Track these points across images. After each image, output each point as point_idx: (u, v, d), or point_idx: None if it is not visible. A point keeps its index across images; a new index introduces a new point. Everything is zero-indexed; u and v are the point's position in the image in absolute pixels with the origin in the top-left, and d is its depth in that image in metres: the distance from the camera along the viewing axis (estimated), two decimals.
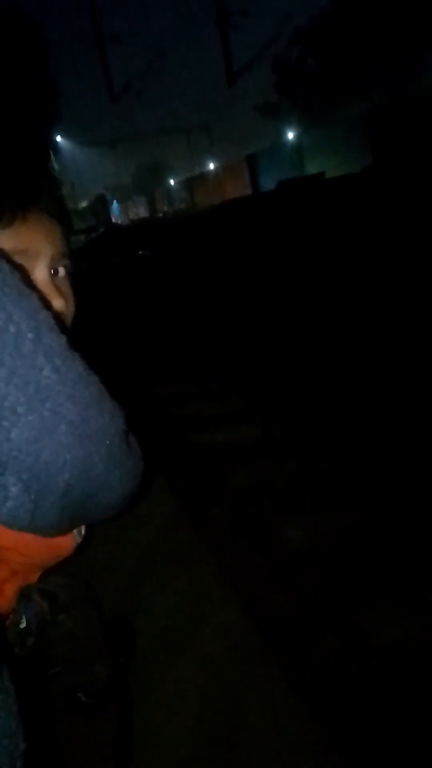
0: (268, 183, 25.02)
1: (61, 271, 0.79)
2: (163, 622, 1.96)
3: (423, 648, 1.69)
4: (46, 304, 0.57)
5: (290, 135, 29.73)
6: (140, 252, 14.71)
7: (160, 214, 38.25)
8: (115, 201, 46.51)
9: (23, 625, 0.98)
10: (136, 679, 1.70)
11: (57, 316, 0.59)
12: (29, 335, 0.50)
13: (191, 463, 3.07)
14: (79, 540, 0.84)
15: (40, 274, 0.75)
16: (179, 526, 2.41)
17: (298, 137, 28.55)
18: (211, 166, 40.06)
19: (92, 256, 16.27)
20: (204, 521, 2.48)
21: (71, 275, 0.84)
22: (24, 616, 1.00)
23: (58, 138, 42.47)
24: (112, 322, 7.40)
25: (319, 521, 2.33)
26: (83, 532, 0.83)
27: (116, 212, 45.19)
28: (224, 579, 2.07)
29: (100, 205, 39.20)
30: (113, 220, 40.61)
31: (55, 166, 38.43)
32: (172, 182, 45.32)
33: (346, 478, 2.63)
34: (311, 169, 23.41)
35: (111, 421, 0.57)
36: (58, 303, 0.77)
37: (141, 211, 46.08)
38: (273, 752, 1.49)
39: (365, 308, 5.29)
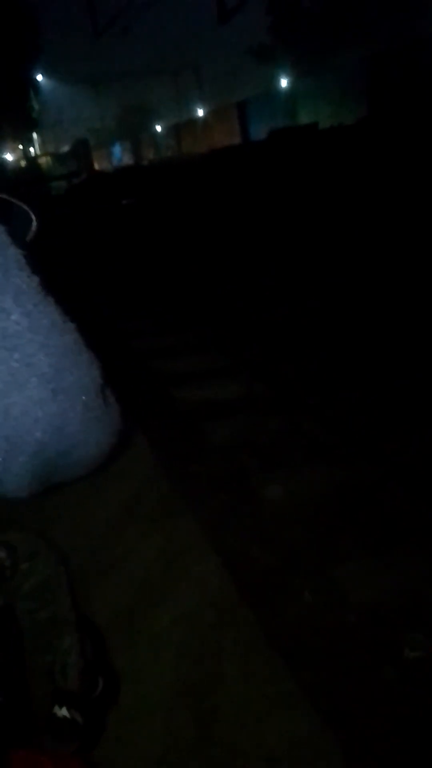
0: (259, 131, 24.24)
1: None
2: (141, 575, 1.97)
3: (398, 604, 1.72)
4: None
5: (283, 81, 28.69)
6: (124, 201, 14.29)
7: (146, 162, 37.05)
8: (117, 143, 44.84)
9: None
10: (113, 631, 1.73)
11: (29, 254, 0.54)
12: None
13: (173, 418, 3.05)
14: None
15: None
16: (159, 481, 2.40)
17: (291, 84, 27.58)
18: (200, 111, 38.68)
19: (74, 204, 15.79)
20: (185, 477, 2.47)
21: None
22: None
23: (39, 76, 40.53)
24: (93, 272, 7.23)
25: (300, 478, 2.34)
26: None
27: (118, 155, 43.63)
28: (204, 534, 2.08)
29: (82, 149, 37.81)
30: (115, 163, 39.34)
31: (35, 106, 36.80)
32: (158, 128, 43.75)
33: (328, 436, 2.63)
34: (304, 118, 22.72)
35: (87, 373, 0.53)
36: None
37: (126, 157, 44.57)
38: (246, 702, 1.52)
39: (358, 262, 5.22)
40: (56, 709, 1.28)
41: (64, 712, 1.28)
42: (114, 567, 2.02)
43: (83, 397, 0.52)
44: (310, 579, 1.84)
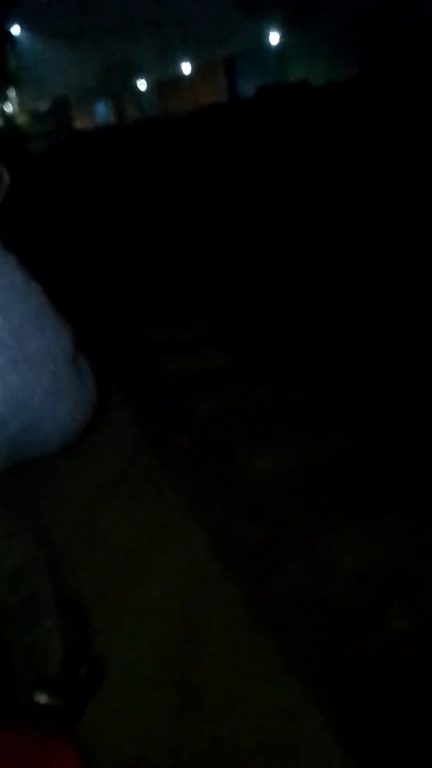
0: (247, 89, 23.59)
1: None
2: (125, 549, 1.96)
3: (383, 575, 1.72)
4: None
5: (273, 37, 27.78)
6: (107, 162, 13.91)
7: (129, 122, 36.04)
8: (101, 103, 43.34)
9: None
10: (98, 606, 1.71)
11: None
12: None
13: (157, 389, 3.01)
14: None
15: None
16: (144, 454, 2.38)
17: (281, 40, 26.73)
18: (186, 68, 37.47)
19: (54, 166, 15.36)
20: (169, 449, 2.45)
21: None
22: None
23: (16, 29, 38.90)
24: (74, 238, 7.06)
25: (286, 450, 2.32)
26: None
27: (103, 113, 42.22)
28: (189, 507, 2.07)
29: (62, 107, 36.63)
30: (100, 122, 38.16)
31: (12, 60, 35.40)
32: (142, 85, 42.37)
33: (314, 408, 2.61)
34: (294, 74, 22.14)
35: (55, 341, 0.49)
36: None
37: (108, 117, 43.23)
38: (232, 675, 1.53)
39: (348, 227, 5.12)
40: (37, 695, 1.26)
41: (44, 698, 1.27)
42: (98, 541, 2.01)
43: (51, 367, 0.48)
44: (297, 551, 1.83)
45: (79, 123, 38.43)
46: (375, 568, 1.74)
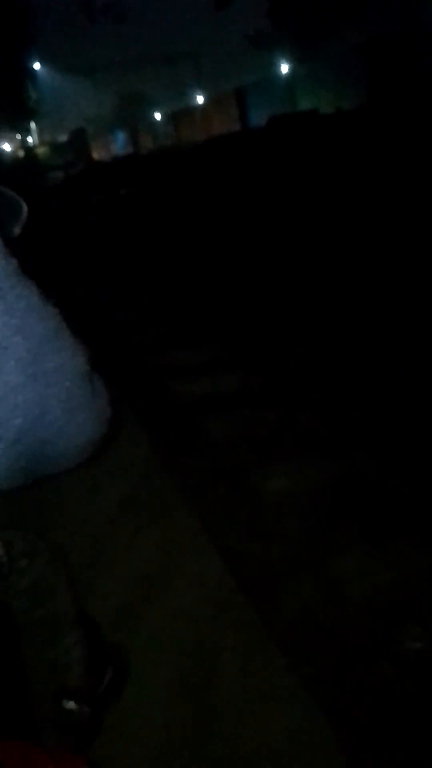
0: (258, 119, 24.00)
1: None
2: (140, 570, 1.97)
3: (394, 597, 1.72)
4: None
5: (283, 68, 28.36)
6: (122, 191, 14.20)
7: (144, 151, 36.78)
8: (120, 132, 44.30)
9: None
10: (112, 626, 1.73)
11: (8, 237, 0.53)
12: None
13: (170, 412, 3.05)
14: None
15: None
16: (157, 475, 2.40)
17: (290, 70, 27.27)
18: (199, 99, 38.32)
19: (71, 195, 15.70)
20: (182, 470, 2.47)
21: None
22: None
23: (36, 65, 40.12)
24: (89, 264, 7.20)
25: (296, 472, 2.34)
26: None
27: (122, 143, 43.10)
28: (202, 528, 2.08)
29: (80, 138, 37.52)
30: (118, 151, 38.90)
31: (32, 94, 36.44)
32: (156, 116, 43.35)
33: (324, 430, 2.62)
34: (304, 104, 22.50)
35: (71, 360, 0.51)
36: None
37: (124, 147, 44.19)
38: (245, 697, 1.52)
39: (357, 250, 5.18)
40: (64, 703, 1.28)
41: (71, 705, 1.28)
42: (113, 562, 2.02)
43: (66, 384, 0.50)
44: (308, 572, 1.84)
45: (96, 154, 39.27)
46: (385, 589, 1.74)
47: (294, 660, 1.57)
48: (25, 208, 0.62)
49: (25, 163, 31.76)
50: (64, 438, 0.52)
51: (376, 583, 1.77)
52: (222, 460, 2.52)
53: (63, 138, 40.45)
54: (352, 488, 2.18)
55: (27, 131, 40.67)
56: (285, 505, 2.16)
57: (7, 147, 38.98)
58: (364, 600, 1.73)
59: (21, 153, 37.67)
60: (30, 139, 41.43)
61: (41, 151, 37.36)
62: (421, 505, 2.03)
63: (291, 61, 28.45)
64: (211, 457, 2.56)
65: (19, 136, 40.07)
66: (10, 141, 40.05)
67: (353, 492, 2.16)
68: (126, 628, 1.77)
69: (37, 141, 41.89)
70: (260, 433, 2.69)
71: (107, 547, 2.09)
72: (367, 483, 2.20)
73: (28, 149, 38.27)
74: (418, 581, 1.76)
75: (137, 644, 1.71)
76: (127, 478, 2.38)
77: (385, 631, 1.63)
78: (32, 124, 40.86)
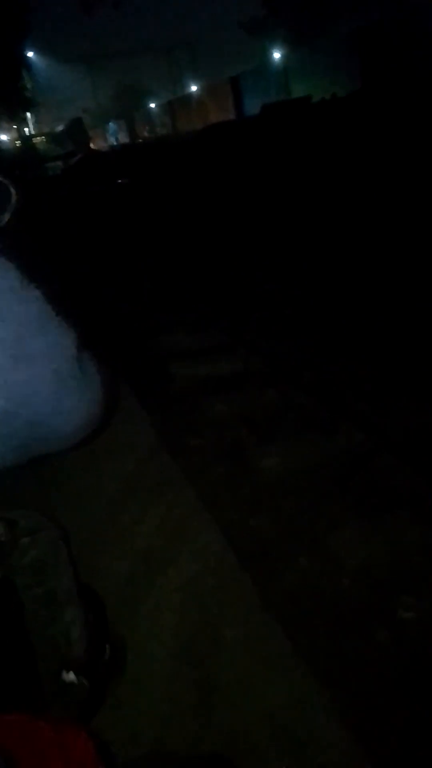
0: (253, 106, 23.83)
1: None
2: (143, 546, 2.01)
3: (388, 567, 1.77)
4: None
5: (277, 55, 28.10)
6: (120, 180, 14.14)
7: (140, 140, 36.53)
8: (111, 123, 44.09)
9: None
10: (116, 601, 1.77)
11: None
12: None
13: (171, 394, 3.08)
14: None
15: None
16: (159, 455, 2.43)
17: (284, 58, 27.02)
18: (194, 88, 38.01)
19: (70, 184, 15.63)
20: (184, 450, 2.51)
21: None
22: None
23: (31, 54, 39.75)
24: (89, 252, 7.19)
25: (295, 450, 2.38)
26: None
27: (114, 132, 42.90)
28: (203, 505, 2.11)
29: (78, 128, 37.24)
30: (112, 141, 38.68)
31: (28, 85, 36.12)
32: (152, 105, 43.02)
33: (320, 410, 2.66)
34: (298, 91, 22.32)
35: (56, 342, 0.51)
36: None
37: (121, 136, 43.91)
38: (245, 665, 1.56)
39: (351, 236, 5.19)
40: (63, 675, 1.31)
41: (71, 677, 1.32)
42: (116, 539, 2.06)
43: (53, 366, 0.50)
44: (306, 546, 1.89)
45: (94, 144, 39.01)
46: (381, 561, 1.79)
47: (292, 629, 1.61)
48: (14, 195, 0.61)
49: (24, 154, 31.52)
50: (56, 420, 0.52)
51: (370, 555, 1.81)
52: (222, 440, 2.56)
53: (60, 128, 40.15)
54: (348, 465, 2.22)
55: (24, 122, 40.37)
56: (283, 481, 2.20)
57: (4, 138, 38.69)
58: (359, 571, 1.77)
59: (19, 144, 37.38)
60: (27, 130, 41.15)
61: (39, 141, 37.08)
62: (415, 481, 2.08)
63: (285, 48, 28.16)
64: (211, 436, 2.60)
65: (16, 127, 39.78)
66: (8, 132, 39.76)
67: (348, 469, 2.20)
68: (131, 600, 1.81)
69: (34, 131, 41.59)
70: (259, 413, 2.73)
71: (111, 525, 2.13)
72: (362, 460, 2.24)
73: (26, 140, 37.98)
74: (411, 553, 1.80)
75: (142, 616, 1.76)
76: (131, 458, 2.42)
77: (380, 601, 1.68)
78: (29, 115, 40.56)
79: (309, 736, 1.38)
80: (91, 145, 36.67)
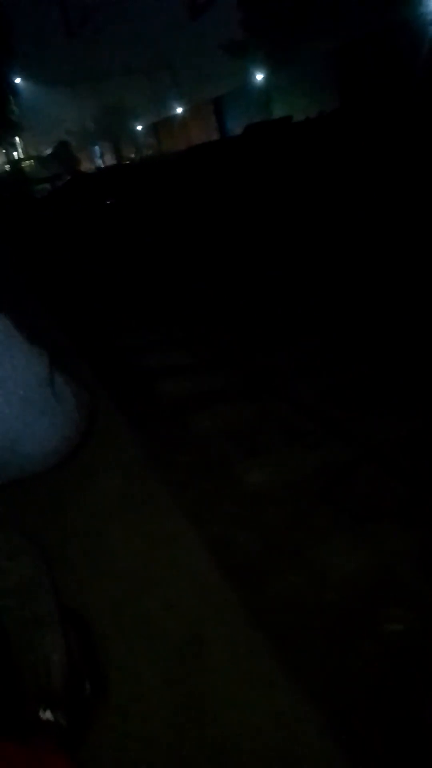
0: (235, 126, 24.23)
1: None
2: (129, 564, 1.99)
3: (375, 578, 1.76)
4: None
5: (258, 76, 28.58)
6: (108, 201, 14.27)
7: (127, 161, 36.89)
8: (96, 146, 44.67)
9: None
10: (102, 621, 1.75)
11: None
12: None
13: (156, 411, 3.08)
14: None
15: None
16: (145, 472, 2.43)
17: (265, 78, 27.48)
18: (178, 109, 38.53)
19: (58, 205, 15.76)
20: (169, 466, 2.50)
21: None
22: None
23: (18, 80, 40.17)
24: (76, 271, 7.23)
25: (279, 463, 2.38)
26: None
27: (98, 155, 43.46)
28: (190, 521, 2.11)
29: (64, 151, 37.58)
30: (97, 162, 39.05)
31: (15, 109, 36.47)
32: (139, 127, 43.55)
33: (303, 422, 2.67)
34: (279, 111, 22.70)
35: (23, 368, 0.51)
36: None
37: (107, 158, 44.37)
38: (231, 681, 1.55)
39: (334, 252, 5.26)
40: (41, 712, 1.27)
41: (48, 715, 1.27)
42: (103, 557, 2.04)
43: (20, 392, 0.50)
44: (291, 560, 1.88)
45: (80, 166, 39.37)
46: (367, 573, 1.78)
47: (279, 644, 1.60)
48: None
49: (12, 178, 31.75)
50: (25, 445, 0.52)
51: (356, 567, 1.81)
52: (207, 455, 2.55)
53: (48, 151, 40.51)
54: (331, 477, 2.23)
55: (12, 146, 40.69)
56: (268, 495, 2.19)
57: None
58: (345, 584, 1.76)
59: (7, 167, 37.66)
60: (15, 154, 41.45)
61: (27, 165, 37.35)
62: (398, 491, 2.08)
63: (266, 68, 28.64)
64: (196, 452, 2.60)
65: (4, 151, 40.09)
66: None
67: (332, 480, 2.20)
68: (117, 621, 1.79)
69: (22, 155, 41.91)
70: (243, 427, 2.73)
71: (98, 542, 2.11)
72: (345, 471, 2.24)
73: (14, 163, 38.26)
74: (397, 564, 1.79)
75: (127, 636, 1.74)
76: (117, 475, 2.41)
77: (367, 613, 1.67)
78: (17, 139, 40.90)
79: (298, 752, 1.37)
80: (79, 167, 37.00)
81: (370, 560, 1.82)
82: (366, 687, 1.50)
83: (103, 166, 36.27)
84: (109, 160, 42.97)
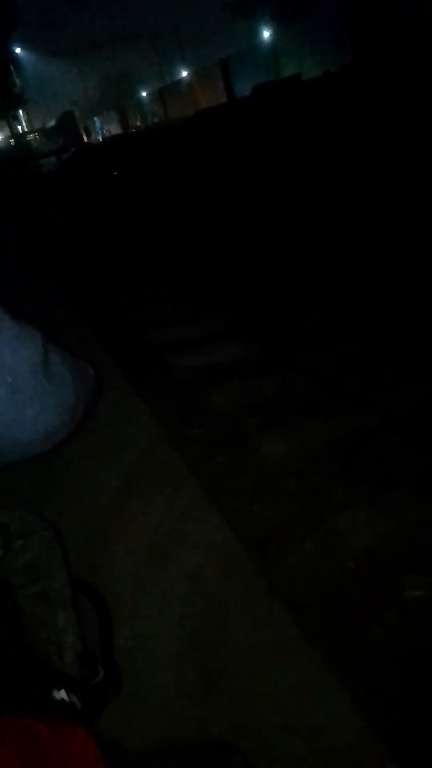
0: (244, 88, 23.55)
1: None
2: (147, 539, 2.01)
3: (394, 546, 1.76)
4: None
5: (265, 34, 27.68)
6: (115, 173, 14.08)
7: (133, 130, 36.23)
8: (96, 118, 43.95)
9: None
10: (121, 595, 1.78)
11: None
12: None
13: (171, 386, 3.07)
14: None
15: None
16: (161, 447, 2.43)
17: (272, 36, 26.61)
18: (183, 73, 37.57)
19: (64, 178, 15.60)
20: (185, 440, 2.51)
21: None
22: None
23: (18, 50, 39.43)
24: (85, 246, 7.18)
25: (296, 435, 2.37)
26: None
27: (98, 128, 42.78)
28: (206, 494, 2.11)
29: (69, 122, 37.03)
30: (95, 136, 38.54)
31: (17, 81, 35.86)
32: (143, 94, 42.61)
33: (320, 392, 2.65)
34: (288, 70, 22.02)
35: (13, 355, 0.51)
36: None
37: (112, 128, 43.57)
38: (251, 650, 1.56)
39: (347, 219, 5.14)
40: (54, 692, 1.28)
41: (62, 695, 1.28)
42: (121, 533, 2.06)
43: (8, 379, 0.51)
44: (310, 530, 1.88)
45: (86, 137, 38.80)
46: (385, 541, 1.78)
47: (299, 614, 1.60)
48: None
49: (17, 152, 31.43)
50: (17, 430, 0.53)
51: (374, 535, 1.80)
52: (223, 429, 2.55)
53: (52, 123, 39.91)
54: (348, 448, 2.21)
55: (16, 119, 40.16)
56: (285, 466, 2.19)
57: None
58: (364, 553, 1.76)
59: (12, 141, 37.25)
60: (20, 127, 40.96)
61: (32, 137, 36.91)
62: (415, 460, 2.06)
63: (272, 26, 27.70)
64: (212, 425, 2.59)
65: (8, 125, 39.59)
66: (0, 130, 39.63)
67: (349, 451, 2.19)
68: (136, 593, 1.81)
69: (26, 128, 41.41)
70: (258, 400, 2.72)
71: (113, 519, 2.13)
72: (363, 442, 2.22)
73: (19, 137, 37.83)
74: (415, 532, 1.79)
75: (147, 608, 1.76)
76: (132, 450, 2.41)
77: (386, 581, 1.67)
78: (21, 112, 40.34)
79: (318, 720, 1.37)
80: (84, 138, 36.47)
81: (389, 529, 1.82)
82: (388, 655, 1.51)
83: (102, 139, 35.63)
84: (115, 129, 42.18)
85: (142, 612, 1.76)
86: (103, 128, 42.47)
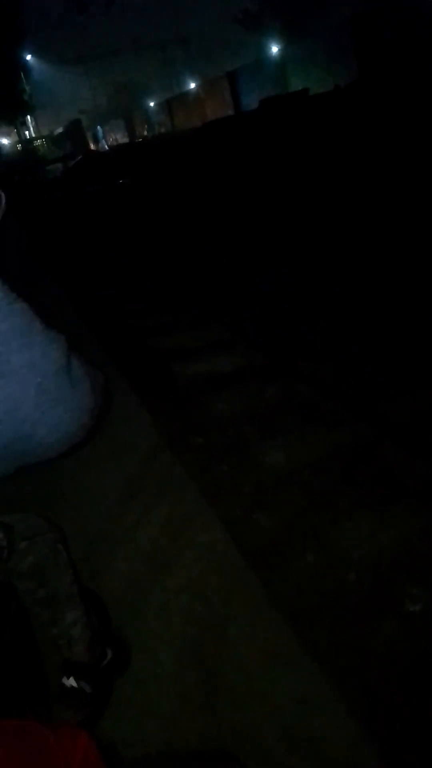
0: (250, 101, 23.71)
1: None
2: (148, 546, 2.00)
3: (395, 558, 1.75)
4: None
5: (273, 49, 27.91)
6: (120, 180, 14.16)
7: (140, 139, 36.44)
8: (99, 126, 44.32)
9: None
10: (122, 601, 1.77)
11: None
12: None
13: (173, 393, 3.08)
14: None
15: None
16: (162, 454, 2.43)
17: (280, 51, 26.82)
18: (191, 84, 37.86)
19: (70, 186, 15.69)
20: (187, 448, 2.50)
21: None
22: None
23: (28, 57, 39.77)
24: (90, 253, 7.21)
25: (298, 444, 2.36)
26: None
27: (101, 137, 43.10)
28: (207, 502, 2.11)
29: (76, 130, 37.28)
30: (100, 145, 38.79)
31: (26, 88, 36.15)
32: (151, 104, 42.91)
33: (322, 403, 2.64)
34: (295, 84, 22.16)
35: (41, 356, 0.52)
36: None
37: (119, 136, 43.86)
38: (251, 662, 1.55)
39: (350, 229, 5.17)
40: (65, 680, 1.31)
41: (72, 682, 1.31)
42: (121, 539, 2.05)
43: (37, 380, 0.51)
44: (311, 540, 1.87)
45: (93, 145, 39.04)
46: (387, 553, 1.77)
47: (298, 625, 1.60)
48: (3, 201, 0.61)
49: (24, 157, 31.65)
50: (41, 431, 0.53)
51: (376, 547, 1.80)
52: (225, 437, 2.54)
53: (59, 130, 40.19)
54: (351, 457, 2.21)
55: (24, 125, 40.46)
56: (287, 476, 2.18)
57: (5, 141, 38.84)
58: (365, 564, 1.75)
59: (19, 147, 37.50)
60: (27, 133, 41.25)
61: (39, 144, 37.14)
62: (419, 470, 2.06)
63: (281, 41, 27.96)
64: (214, 433, 2.58)
65: (16, 131, 39.89)
66: (8, 136, 39.89)
67: (352, 460, 2.19)
68: (136, 602, 1.81)
69: (34, 134, 41.69)
70: (260, 408, 2.72)
71: (115, 525, 2.12)
72: (365, 451, 2.22)
73: (26, 143, 38.08)
74: (417, 543, 1.78)
75: (146, 616, 1.75)
76: (135, 458, 2.41)
77: (387, 593, 1.66)
78: (29, 118, 40.62)
79: (316, 732, 1.37)
80: (91, 146, 36.70)
81: (391, 540, 1.81)
82: (386, 666, 1.50)
83: (106, 147, 35.85)
84: (122, 138, 42.44)
85: (142, 619, 1.75)
86: (105, 137, 42.78)
